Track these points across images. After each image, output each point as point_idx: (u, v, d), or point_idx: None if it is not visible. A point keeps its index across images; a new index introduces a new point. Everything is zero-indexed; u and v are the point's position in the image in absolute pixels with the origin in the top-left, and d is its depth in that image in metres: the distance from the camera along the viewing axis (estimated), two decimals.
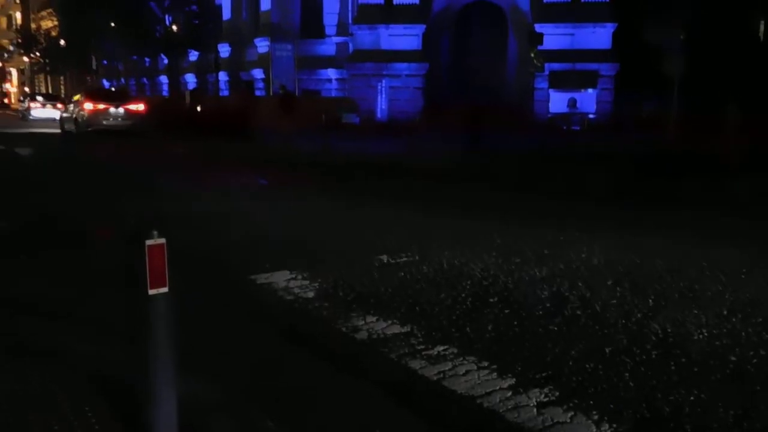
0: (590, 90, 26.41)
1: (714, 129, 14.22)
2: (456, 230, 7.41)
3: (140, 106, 25.04)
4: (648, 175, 12.58)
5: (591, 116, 25.98)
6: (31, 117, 36.28)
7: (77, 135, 23.74)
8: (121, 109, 24.07)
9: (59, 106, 33.26)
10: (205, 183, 11.29)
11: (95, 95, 25.83)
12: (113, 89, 42.17)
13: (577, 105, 26.51)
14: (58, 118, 28.53)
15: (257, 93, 34.87)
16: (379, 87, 28.50)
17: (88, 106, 23.74)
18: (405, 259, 6.13)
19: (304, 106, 26.15)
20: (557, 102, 26.68)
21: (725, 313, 4.62)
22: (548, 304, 4.80)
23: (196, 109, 29.59)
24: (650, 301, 4.89)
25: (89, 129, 23.28)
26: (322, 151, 17.61)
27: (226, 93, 38.54)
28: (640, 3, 23.27)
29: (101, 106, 23.85)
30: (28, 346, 3.88)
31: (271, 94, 30.68)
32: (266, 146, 18.71)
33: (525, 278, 5.48)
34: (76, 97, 26.39)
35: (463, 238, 6.95)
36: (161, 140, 21.14)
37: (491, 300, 4.93)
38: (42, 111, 36.40)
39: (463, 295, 5.04)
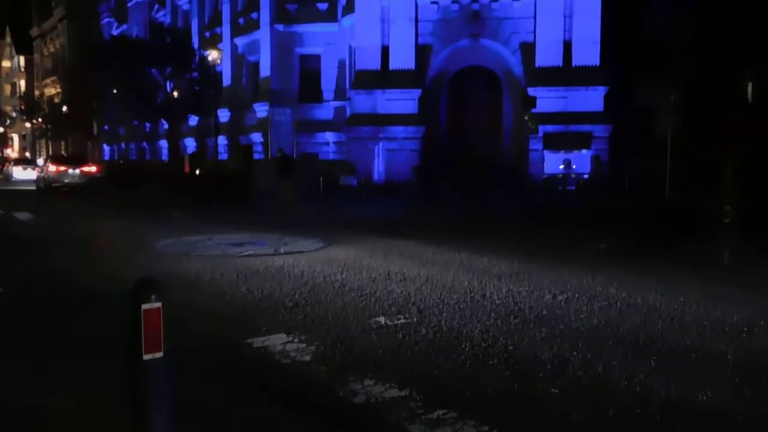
0: (584, 151, 26.83)
1: (707, 186, 14.37)
2: (451, 288, 7.37)
3: (93, 168, 32.11)
4: (646, 232, 12.63)
5: (586, 176, 26.30)
6: (13, 178, 42.01)
7: (44, 190, 29.21)
8: (77, 170, 30.29)
9: (36, 168, 38.97)
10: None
11: (58, 160, 33.85)
12: (73, 154, 49.92)
13: (572, 166, 26.88)
14: (35, 178, 33.88)
15: (256, 156, 35.33)
16: (376, 150, 28.91)
17: (52, 168, 30.39)
18: (403, 320, 6.07)
19: (302, 168, 26.47)
20: (552, 163, 27.07)
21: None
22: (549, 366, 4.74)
23: (195, 173, 29.92)
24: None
25: (53, 185, 29.05)
26: (319, 213, 17.70)
27: (225, 156, 39.05)
28: (631, 66, 23.94)
29: (62, 168, 30.17)
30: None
31: (270, 157, 31.08)
32: (262, 208, 18.82)
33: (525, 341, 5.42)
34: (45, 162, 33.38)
35: (457, 294, 6.90)
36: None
37: (491, 362, 4.86)
38: (22, 173, 42.25)
39: (462, 357, 4.97)
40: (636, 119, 20.91)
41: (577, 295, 7.09)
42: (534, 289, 7.46)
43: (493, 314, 6.25)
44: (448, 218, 16.07)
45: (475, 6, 28.75)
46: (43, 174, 31.22)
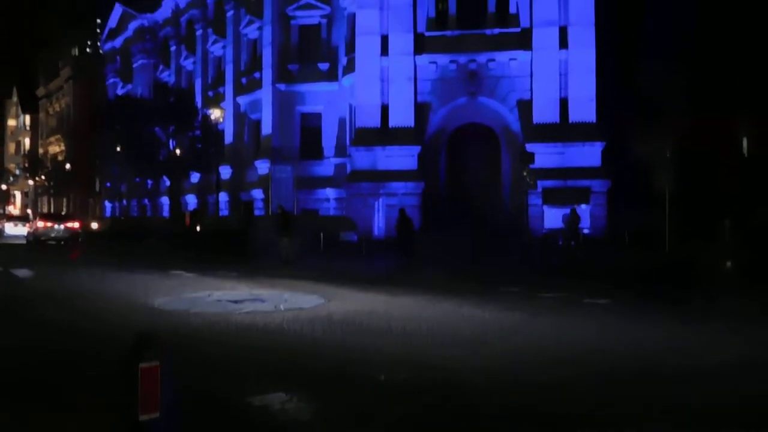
0: (583, 206, 26.93)
1: (707, 240, 14.39)
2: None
3: (76, 224, 35.79)
4: (648, 288, 12.55)
5: (586, 231, 26.32)
6: (5, 234, 44.01)
7: (33, 244, 31.96)
8: (62, 226, 33.87)
9: (27, 225, 41.51)
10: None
11: (45, 216, 38.88)
12: (58, 212, 56.52)
13: (578, 216, 26.90)
14: (26, 233, 36.56)
15: (256, 213, 35.49)
16: (376, 205, 29.03)
17: (40, 224, 34.21)
18: (404, 376, 5.97)
19: (302, 225, 26.53)
20: (552, 218, 27.13)
21: None
22: None
23: (196, 229, 29.98)
24: None
25: (41, 239, 32.18)
26: (319, 269, 17.63)
27: (226, 213, 39.24)
28: (627, 121, 24.31)
29: (49, 224, 33.93)
30: None
31: (270, 213, 31.22)
32: (259, 264, 18.77)
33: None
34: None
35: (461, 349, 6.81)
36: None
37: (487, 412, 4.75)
38: (14, 229, 44.64)
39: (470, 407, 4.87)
40: (634, 174, 21.10)
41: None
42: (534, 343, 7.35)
43: (497, 366, 6.15)
44: (446, 273, 16.00)
45: (473, 66, 29.39)
46: (32, 230, 34.61)
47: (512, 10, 29.21)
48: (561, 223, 26.10)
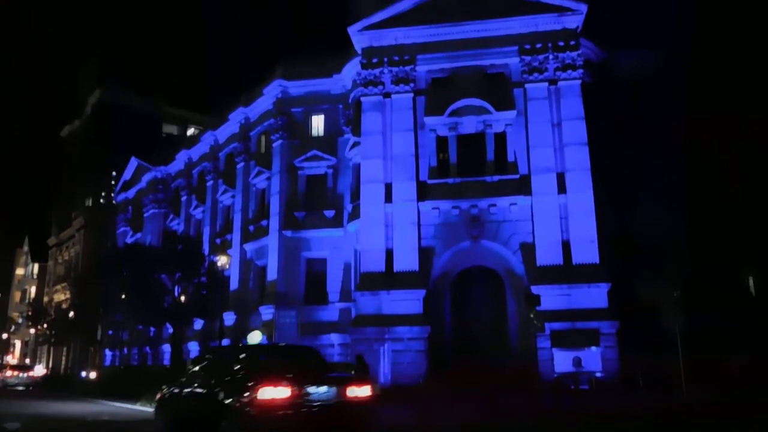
0: (594, 348, 26.38)
1: (722, 378, 13.93)
2: None
3: (36, 373, 48.14)
4: None
5: (598, 374, 25.60)
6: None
7: (1, 389, 38.03)
8: (25, 374, 46.42)
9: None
10: None
11: (13, 367, 50.25)
12: (21, 363, 69.21)
13: (582, 364, 26.26)
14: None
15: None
16: (382, 351, 28.46)
17: (8, 373, 45.66)
18: None
19: None
20: (562, 361, 26.49)
21: None
22: None
23: None
24: None
25: (8, 387, 39.20)
26: None
27: None
28: (631, 262, 24.47)
29: (15, 373, 46.71)
30: None
31: None
32: None
33: None
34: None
35: None
36: None
37: None
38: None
39: None
40: (643, 314, 20.88)
41: None
42: None
43: None
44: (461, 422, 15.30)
45: (474, 211, 30.13)
46: (2, 377, 45.09)
47: (510, 158, 30.50)
48: (572, 366, 25.46)
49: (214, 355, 13.02)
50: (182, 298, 39.44)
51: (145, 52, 76.54)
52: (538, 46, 30.84)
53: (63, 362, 67.64)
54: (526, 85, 30.79)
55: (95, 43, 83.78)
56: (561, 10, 30.83)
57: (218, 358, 12.17)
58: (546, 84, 30.62)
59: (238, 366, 10.92)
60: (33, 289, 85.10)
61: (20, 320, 79.03)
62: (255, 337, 34.00)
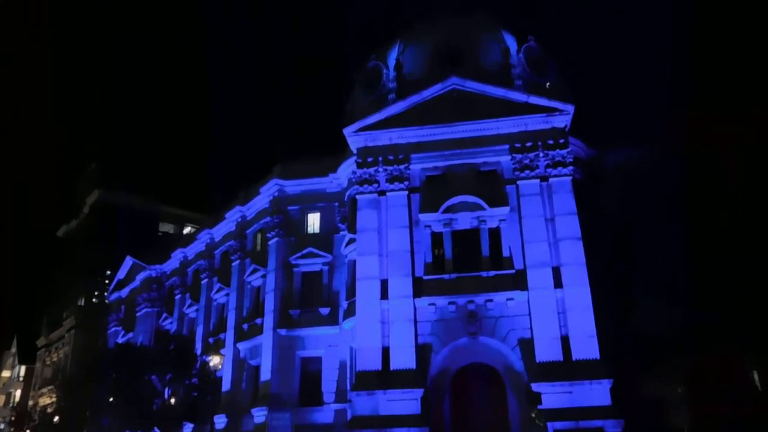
0: None
1: None
2: None
3: None
4: None
5: None
6: None
7: None
8: None
9: None
10: None
11: None
12: None
13: None
14: None
15: None
16: None
17: None
18: None
19: None
20: None
21: None
22: None
23: None
24: None
25: None
26: None
27: None
28: (633, 357, 24.02)
29: None
30: None
31: None
32: None
33: None
34: None
35: None
36: None
37: None
38: None
39: None
40: (648, 410, 20.27)
41: None
42: None
43: None
44: None
45: (471, 306, 29.85)
46: None
47: (505, 253, 30.59)
48: None
49: None
50: (172, 401, 38.15)
51: (144, 152, 78.35)
52: (528, 144, 31.75)
53: None
54: (518, 182, 31.44)
55: (95, 143, 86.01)
56: (549, 110, 31.97)
57: None
58: (537, 181, 31.27)
59: None
60: (18, 393, 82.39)
61: (2, 426, 75.94)
62: None
